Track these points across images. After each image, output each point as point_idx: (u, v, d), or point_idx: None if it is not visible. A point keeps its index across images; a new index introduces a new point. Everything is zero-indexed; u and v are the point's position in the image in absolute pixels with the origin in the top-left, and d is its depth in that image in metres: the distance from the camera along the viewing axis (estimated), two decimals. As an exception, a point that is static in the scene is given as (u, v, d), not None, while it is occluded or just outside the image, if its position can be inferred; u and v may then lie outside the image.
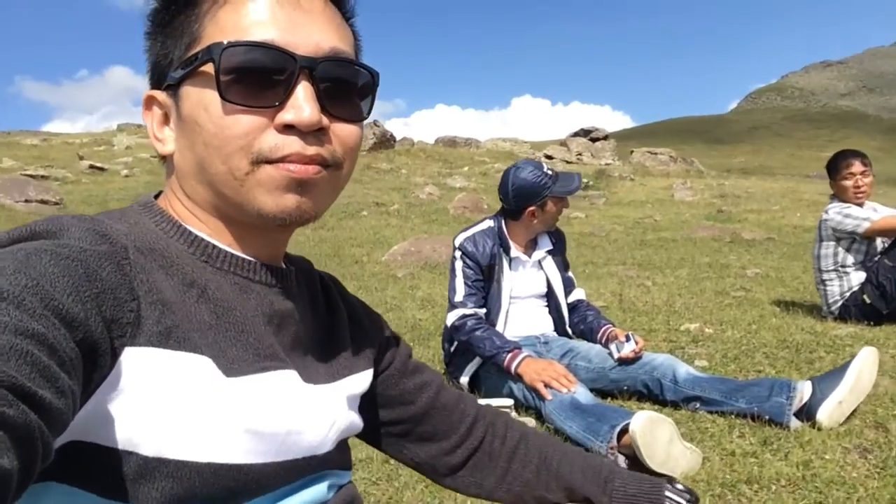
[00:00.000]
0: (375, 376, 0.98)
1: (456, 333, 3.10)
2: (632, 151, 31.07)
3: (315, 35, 0.75)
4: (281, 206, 0.74)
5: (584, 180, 17.60)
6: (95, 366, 0.62)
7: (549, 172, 3.20)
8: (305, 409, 0.80)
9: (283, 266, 0.86)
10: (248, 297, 0.79)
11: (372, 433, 1.01)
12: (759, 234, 10.10)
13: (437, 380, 1.05)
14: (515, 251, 3.26)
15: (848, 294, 4.39)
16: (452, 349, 3.25)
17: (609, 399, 3.00)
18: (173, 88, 0.78)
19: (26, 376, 0.50)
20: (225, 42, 0.72)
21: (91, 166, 15.63)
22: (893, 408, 2.72)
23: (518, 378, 2.85)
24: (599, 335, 3.21)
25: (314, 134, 0.74)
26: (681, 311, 4.83)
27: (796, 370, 3.29)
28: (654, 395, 2.92)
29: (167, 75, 0.77)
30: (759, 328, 4.18)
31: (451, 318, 3.11)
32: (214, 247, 0.79)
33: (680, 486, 0.97)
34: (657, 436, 2.17)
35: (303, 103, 0.72)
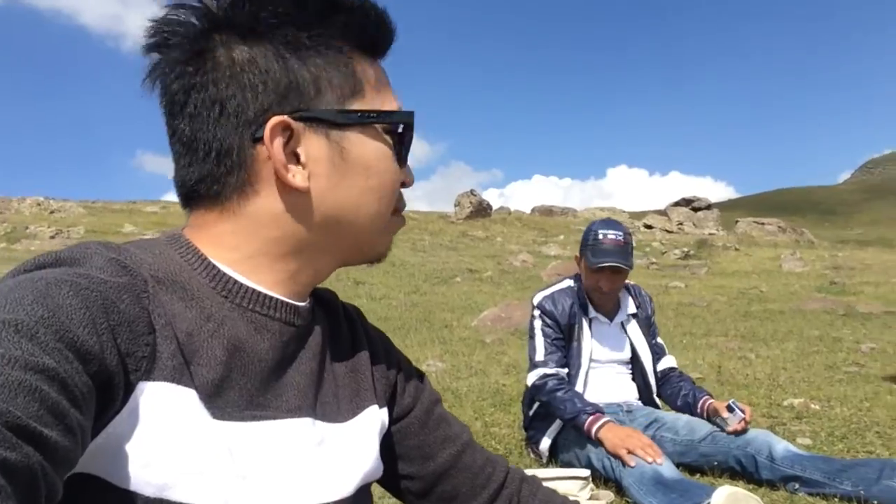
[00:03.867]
0: (395, 420, 0.94)
1: (537, 393, 2.99)
2: (737, 221, 30.08)
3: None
4: (388, 246, 0.87)
5: (685, 249, 17.08)
6: (109, 399, 0.61)
7: (600, 236, 3.04)
8: (317, 454, 0.77)
9: (306, 302, 0.84)
10: (261, 338, 0.76)
11: (391, 483, 0.96)
12: (877, 307, 9.40)
13: (464, 436, 0.99)
14: (594, 312, 3.14)
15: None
16: (532, 412, 3.13)
17: (698, 475, 2.79)
18: (328, 125, 0.75)
19: (33, 415, 0.50)
20: (402, 111, 0.82)
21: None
22: None
23: (598, 443, 2.70)
24: (699, 407, 3.00)
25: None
26: (785, 386, 4.51)
27: (915, 453, 2.97)
28: (748, 472, 2.70)
29: (308, 109, 0.75)
30: (873, 405, 3.82)
31: (532, 377, 3.01)
32: (236, 282, 0.77)
33: None
34: (743, 515, 1.98)
35: (411, 168, 0.85)
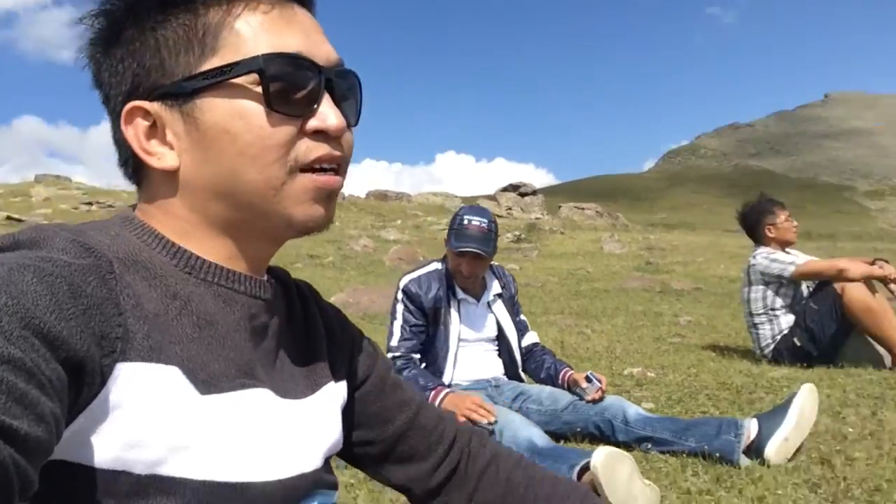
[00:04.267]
0: (353, 391, 0.96)
1: None
2: (559, 206, 31.95)
3: (323, 46, 0.78)
4: (310, 215, 0.77)
5: (517, 233, 17.95)
6: (83, 384, 0.60)
7: (465, 222, 3.15)
8: (287, 426, 0.79)
9: (266, 277, 0.85)
10: (231, 310, 0.77)
11: (349, 451, 0.98)
12: (687, 284, 10.43)
13: (417, 398, 1.02)
14: (462, 293, 3.25)
15: (779, 337, 4.56)
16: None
17: (562, 441, 2.99)
18: (179, 99, 0.74)
19: (0, 407, 0.49)
20: (265, 54, 0.73)
21: (8, 217, 14.99)
22: (835, 444, 2.80)
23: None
24: (560, 379, 3.20)
25: (335, 139, 0.77)
26: (622, 357, 4.91)
27: (739, 410, 3.36)
28: (605, 436, 2.93)
29: (161, 85, 0.74)
30: (699, 371, 4.27)
31: None
32: (198, 258, 0.77)
33: None
34: (618, 472, 2.16)
35: (331, 110, 0.76)
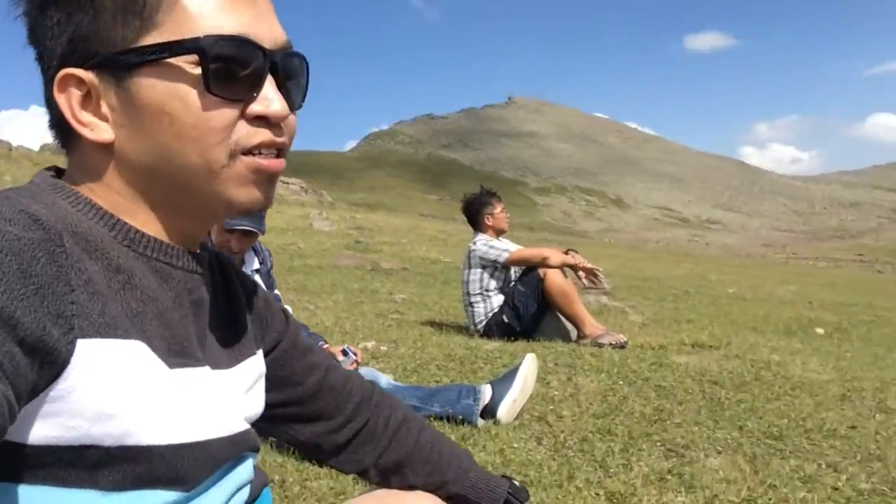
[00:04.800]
0: (266, 355, 0.99)
1: None
2: (266, 179, 31.33)
3: (272, 28, 0.77)
4: (251, 197, 0.77)
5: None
6: (45, 364, 0.60)
7: None
8: (220, 394, 0.82)
9: (199, 251, 0.86)
10: (168, 286, 0.78)
11: (263, 414, 1.01)
12: (395, 264, 11.09)
13: (326, 360, 1.08)
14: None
15: (490, 314, 5.16)
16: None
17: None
18: (115, 71, 0.71)
19: None
20: (206, 36, 0.71)
21: None
22: (546, 405, 3.31)
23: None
24: None
25: (278, 124, 0.77)
26: (352, 332, 5.14)
27: (465, 378, 3.78)
28: (358, 405, 3.12)
29: (97, 54, 0.71)
30: (425, 345, 4.67)
31: None
32: (137, 230, 0.76)
33: (517, 484, 1.16)
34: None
35: (275, 95, 0.75)
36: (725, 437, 2.92)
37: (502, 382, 3.15)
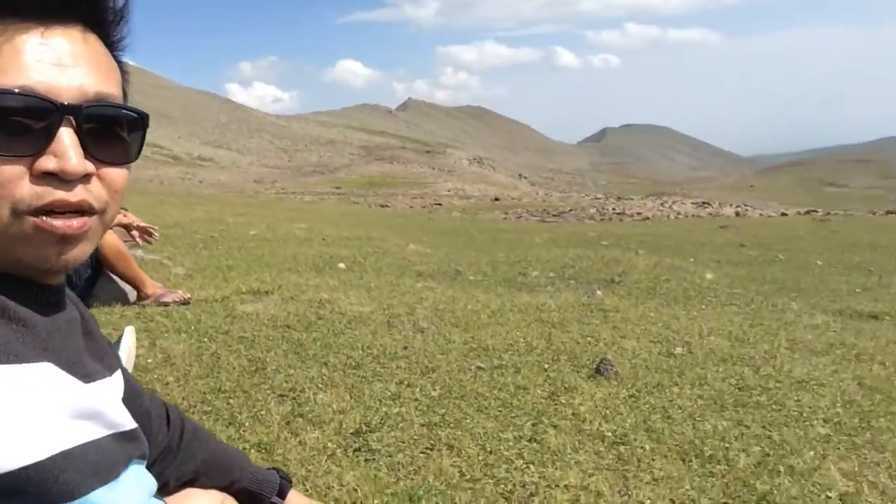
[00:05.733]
0: None
1: None
2: None
3: (79, 79, 0.74)
4: (42, 257, 0.74)
5: None
6: None
7: None
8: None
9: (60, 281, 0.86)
10: (42, 314, 0.77)
11: None
12: None
13: (140, 387, 1.11)
14: None
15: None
16: None
17: None
18: None
19: None
20: None
21: None
22: (144, 374, 3.28)
23: None
24: None
25: (79, 179, 0.73)
26: None
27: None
28: None
29: None
30: None
31: None
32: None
33: (283, 472, 1.35)
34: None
35: (67, 150, 0.72)
36: (319, 374, 3.34)
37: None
